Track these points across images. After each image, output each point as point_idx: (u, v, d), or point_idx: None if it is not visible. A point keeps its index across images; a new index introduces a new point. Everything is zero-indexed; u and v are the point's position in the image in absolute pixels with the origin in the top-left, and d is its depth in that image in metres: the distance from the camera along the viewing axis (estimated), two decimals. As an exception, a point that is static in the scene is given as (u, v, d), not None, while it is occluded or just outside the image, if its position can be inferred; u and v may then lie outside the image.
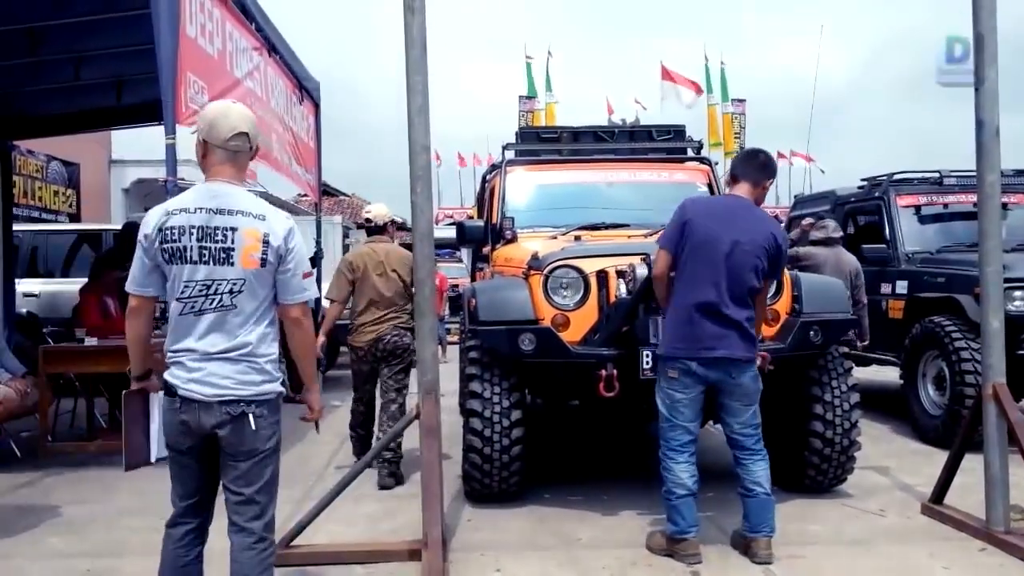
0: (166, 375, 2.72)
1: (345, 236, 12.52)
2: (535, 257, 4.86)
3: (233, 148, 2.70)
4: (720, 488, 4.77)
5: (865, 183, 8.17)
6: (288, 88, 7.53)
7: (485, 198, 7.20)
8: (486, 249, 6.29)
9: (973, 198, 7.46)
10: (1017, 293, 6.00)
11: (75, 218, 13.43)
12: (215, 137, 2.69)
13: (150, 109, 8.33)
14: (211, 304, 2.64)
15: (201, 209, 2.63)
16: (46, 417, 6.21)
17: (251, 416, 2.70)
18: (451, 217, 30.27)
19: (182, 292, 2.63)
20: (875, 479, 5.33)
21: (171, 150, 4.77)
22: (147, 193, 16.61)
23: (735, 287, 3.80)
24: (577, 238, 5.50)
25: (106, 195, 16.55)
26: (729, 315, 3.75)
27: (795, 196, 9.75)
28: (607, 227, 5.89)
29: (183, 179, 5.01)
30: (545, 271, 4.73)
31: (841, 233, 7.30)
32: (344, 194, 28.33)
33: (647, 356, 4.33)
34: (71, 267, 10.08)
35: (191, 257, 2.62)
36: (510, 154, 6.60)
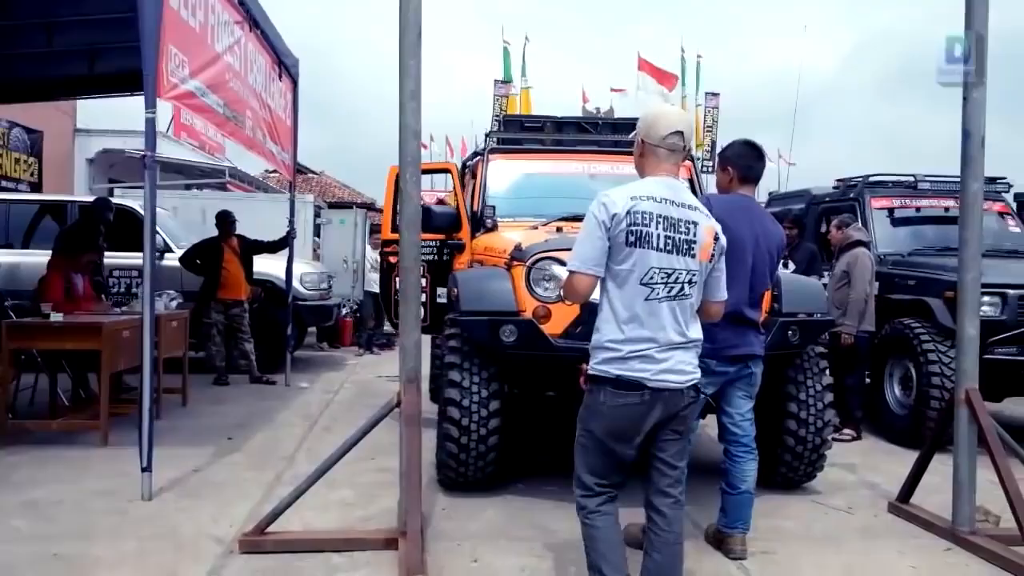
0: (616, 368, 2.72)
1: (316, 215, 12.41)
2: (518, 248, 4.85)
3: (669, 146, 2.81)
4: (692, 484, 4.80)
5: (840, 183, 8.28)
6: (267, 64, 7.40)
7: (465, 185, 7.15)
8: (459, 236, 6.25)
9: (946, 203, 7.66)
10: (986, 299, 6.12)
11: (36, 187, 13.11)
12: (653, 137, 2.82)
13: (123, 79, 8.19)
14: (670, 292, 2.72)
15: (666, 200, 2.74)
16: (6, 393, 6.07)
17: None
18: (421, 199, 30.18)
19: (648, 278, 2.70)
20: (842, 476, 5.42)
21: (151, 124, 4.66)
22: (112, 164, 16.26)
23: (757, 288, 3.84)
24: (559, 229, 5.49)
25: (69, 165, 16.14)
26: (748, 316, 3.81)
27: (769, 193, 9.82)
28: (588, 219, 5.89)
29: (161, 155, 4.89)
30: (528, 263, 4.72)
31: None
32: (313, 172, 28.00)
33: (628, 351, 4.33)
34: (32, 238, 9.84)
35: (656, 244, 2.69)
36: (493, 142, 6.57)
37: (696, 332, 2.82)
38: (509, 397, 4.76)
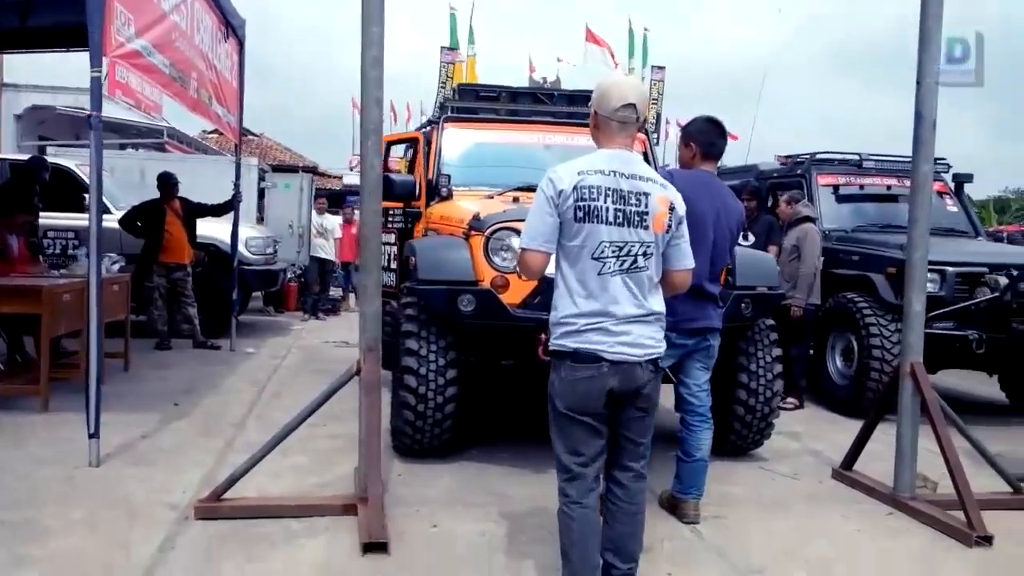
0: (573, 342, 2.70)
1: (261, 179, 12.12)
2: (476, 218, 4.83)
3: (621, 119, 2.77)
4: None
5: (787, 160, 8.44)
6: (214, 25, 7.17)
7: (419, 152, 7.07)
8: (417, 204, 6.21)
9: (888, 181, 7.87)
10: (930, 275, 6.33)
11: (-39, 144, 12.55)
12: (605, 108, 2.78)
13: (58, 34, 7.84)
14: (623, 266, 2.69)
15: (615, 172, 2.71)
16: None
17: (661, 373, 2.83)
18: (364, 165, 29.74)
19: (599, 252, 2.68)
20: (787, 444, 5.58)
21: (96, 83, 4.50)
22: (42, 121, 15.63)
23: (717, 263, 3.90)
24: (516, 199, 5.49)
25: (-5, 120, 15.48)
26: (708, 290, 3.85)
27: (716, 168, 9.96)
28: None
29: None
30: (487, 233, 4.71)
31: None
32: (253, 133, 27.30)
33: (586, 321, 4.38)
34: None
35: (606, 218, 2.66)
36: (448, 110, 6.50)
37: (657, 304, 2.80)
38: (466, 366, 4.76)
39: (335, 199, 16.06)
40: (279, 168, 14.89)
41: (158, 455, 4.79)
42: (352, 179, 26.89)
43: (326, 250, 11.79)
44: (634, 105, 2.78)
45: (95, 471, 4.43)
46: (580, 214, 2.67)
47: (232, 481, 3.87)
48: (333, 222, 12.09)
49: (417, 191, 6.11)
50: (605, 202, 2.68)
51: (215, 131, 27.77)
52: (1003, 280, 6.27)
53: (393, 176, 6.14)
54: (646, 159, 6.47)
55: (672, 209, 2.80)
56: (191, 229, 8.64)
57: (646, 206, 2.73)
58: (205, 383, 6.84)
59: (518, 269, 3.10)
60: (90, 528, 3.66)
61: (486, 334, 4.70)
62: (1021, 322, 6.20)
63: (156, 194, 8.55)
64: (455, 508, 4.11)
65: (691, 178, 3.93)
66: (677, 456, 4.07)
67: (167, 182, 8.45)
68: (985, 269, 6.43)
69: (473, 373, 4.90)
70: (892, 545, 3.87)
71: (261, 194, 12.07)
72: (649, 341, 2.76)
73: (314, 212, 11.69)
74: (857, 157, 7.89)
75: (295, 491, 4.26)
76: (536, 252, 2.74)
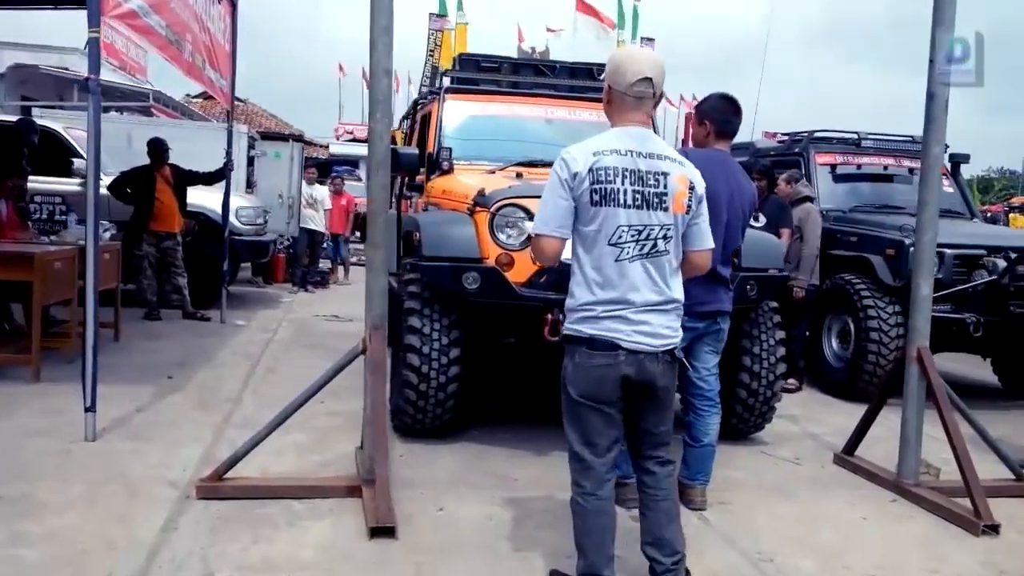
0: (589, 328, 2.62)
1: (250, 147, 11.92)
2: (481, 194, 4.74)
3: (637, 94, 2.65)
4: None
5: (786, 137, 8.38)
6: (207, -15, 6.98)
7: (416, 124, 6.95)
8: (419, 178, 6.10)
9: (886, 161, 7.84)
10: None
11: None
12: (619, 83, 2.65)
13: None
14: (643, 250, 2.60)
15: (632, 152, 2.60)
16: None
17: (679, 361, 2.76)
18: (351, 133, 29.37)
19: (617, 237, 2.58)
20: (786, 427, 5.57)
21: (94, 44, 4.34)
22: (24, 80, 15.28)
23: (729, 245, 3.83)
24: (519, 175, 5.40)
25: (-24, 79, 15.11)
26: (720, 273, 3.78)
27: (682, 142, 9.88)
28: (545, 165, 5.81)
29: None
30: (492, 209, 4.63)
31: None
32: (239, 99, 26.89)
33: (594, 302, 4.33)
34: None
35: (623, 201, 2.56)
36: (448, 81, 6.38)
37: (677, 291, 2.71)
38: (469, 344, 4.70)
39: (322, 169, 15.85)
40: (266, 136, 14.61)
41: (154, 430, 4.71)
42: (339, 148, 26.58)
43: (316, 221, 11.63)
44: (651, 79, 2.66)
45: (91, 445, 4.35)
46: (596, 197, 2.58)
47: (234, 461, 3.80)
48: (323, 192, 11.92)
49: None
50: (622, 184, 2.58)
51: (199, 95, 27.39)
52: (1001, 263, 6.26)
53: (399, 148, 6.01)
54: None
55: (692, 188, 2.70)
56: (182, 197, 8.48)
57: (665, 186, 2.63)
58: (198, 356, 6.74)
59: (532, 255, 3.01)
60: (89, 505, 3.59)
61: (490, 313, 4.63)
62: (1018, 305, 6.20)
63: (144, 160, 8.38)
64: (459, 490, 4.07)
65: (705, 157, 3.84)
66: (684, 441, 4.03)
67: (158, 148, 8.28)
68: (983, 252, 6.43)
69: (474, 352, 4.83)
70: (898, 533, 3.86)
71: (250, 162, 11.88)
72: (667, 331, 2.69)
73: (304, 182, 11.51)
74: (856, 136, 7.84)
75: (296, 470, 4.20)
76: (550, 237, 2.64)
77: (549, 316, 4.38)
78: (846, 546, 3.66)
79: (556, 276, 4.41)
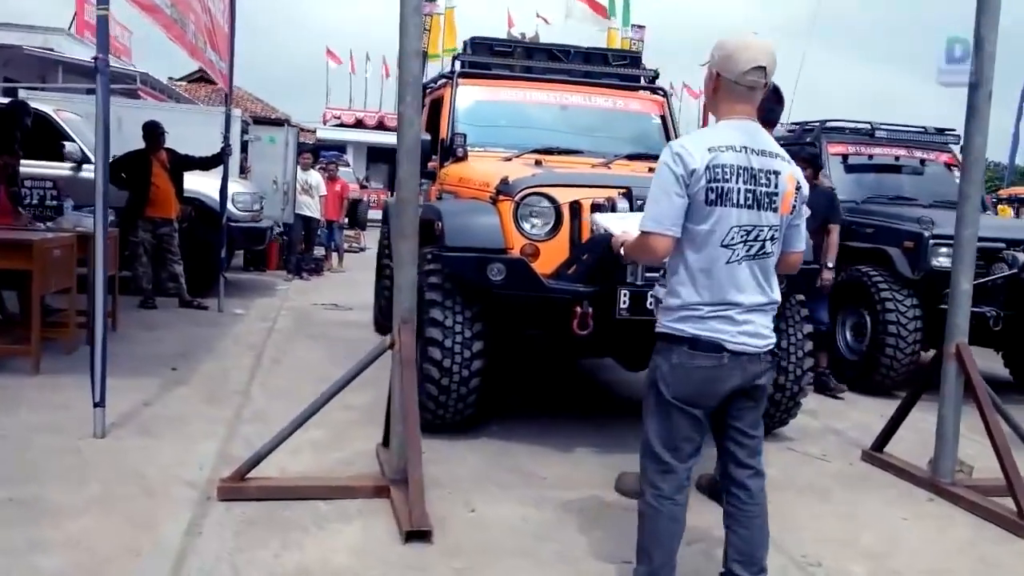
0: (693, 327, 2.51)
1: (244, 132, 11.64)
2: (504, 182, 4.58)
3: (749, 84, 2.51)
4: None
5: (796, 126, 8.26)
6: (208, -37, 6.76)
7: (424, 109, 6.76)
8: (431, 165, 5.93)
9: (898, 151, 7.75)
10: (943, 249, 6.23)
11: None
12: (731, 71, 2.50)
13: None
14: (750, 252, 2.49)
15: (746, 148, 2.49)
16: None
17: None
18: (338, 118, 29.09)
19: (729, 239, 2.47)
20: (807, 422, 5.47)
21: (103, 23, 4.14)
22: (7, 61, 14.89)
23: None
24: (538, 163, 5.25)
25: (-44, 59, 14.71)
26: None
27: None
28: (560, 152, 5.68)
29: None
30: (516, 197, 4.47)
31: None
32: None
33: (624, 295, 4.20)
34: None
35: (737, 201, 2.45)
36: (459, 66, 6.20)
37: (777, 292, 2.61)
38: (492, 337, 4.55)
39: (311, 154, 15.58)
40: (258, 120, 14.33)
41: (164, 425, 4.53)
42: (326, 133, 26.32)
43: (311, 208, 11.41)
44: (764, 68, 2.50)
45: (100, 442, 4.17)
46: (712, 196, 2.43)
47: (257, 460, 3.63)
48: (318, 178, 11.69)
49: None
50: (737, 183, 2.45)
51: (183, 78, 26.98)
52: (1021, 256, 6.19)
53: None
54: (664, 125, 6.28)
55: (799, 188, 2.60)
56: (178, 182, 8.25)
57: (776, 186, 2.51)
58: (200, 346, 6.55)
59: (629, 252, 2.80)
60: (106, 507, 3.42)
61: (515, 305, 4.48)
62: (1029, 296, 6.13)
63: (134, 144, 8.13)
64: (488, 489, 3.93)
65: None
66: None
67: (154, 131, 8.04)
68: (1002, 245, 6.34)
69: (496, 345, 4.69)
70: (941, 535, 3.77)
71: (243, 148, 11.61)
72: (767, 331, 2.59)
73: (299, 168, 11.28)
74: (869, 126, 7.74)
75: (317, 469, 4.04)
76: (663, 236, 2.48)
77: (578, 309, 4.26)
78: (891, 549, 3.55)
79: (585, 268, 4.28)
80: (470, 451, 4.47)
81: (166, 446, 4.20)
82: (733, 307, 2.49)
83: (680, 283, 2.53)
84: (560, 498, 3.84)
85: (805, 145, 7.73)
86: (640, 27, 28.63)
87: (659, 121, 6.24)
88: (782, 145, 7.78)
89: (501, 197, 4.55)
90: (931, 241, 6.22)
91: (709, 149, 2.44)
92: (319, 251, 12.55)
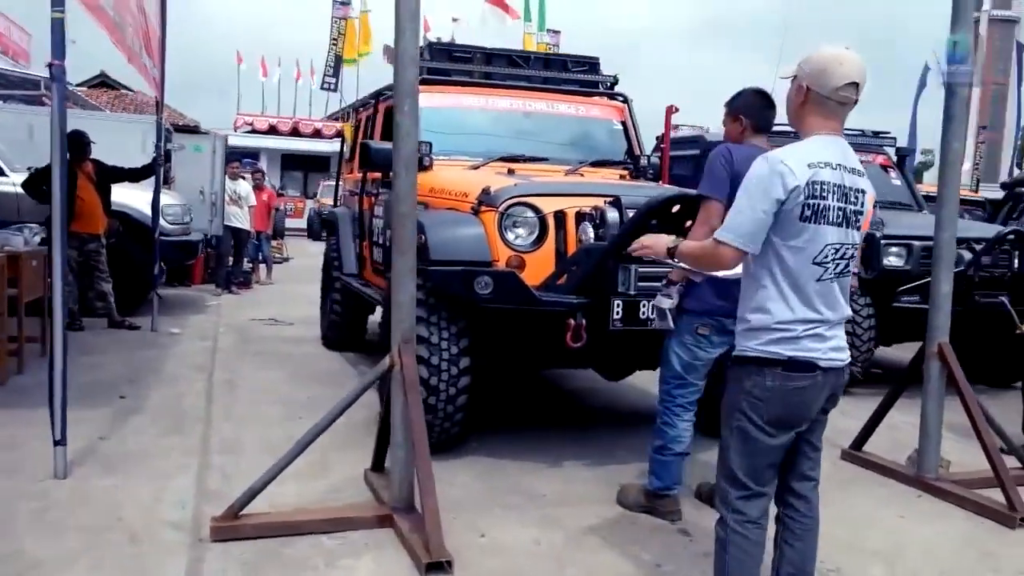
0: (788, 349, 2.42)
1: (167, 140, 11.08)
2: (486, 192, 4.46)
3: (842, 99, 2.43)
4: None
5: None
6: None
7: (377, 116, 6.56)
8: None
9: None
10: (894, 249, 6.41)
11: None
12: (824, 86, 2.42)
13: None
14: (838, 270, 2.44)
15: (841, 166, 2.43)
16: None
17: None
18: (250, 124, 28.21)
19: (822, 257, 2.40)
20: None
21: (59, 26, 3.81)
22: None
23: None
24: (510, 171, 5.15)
25: None
26: None
27: (657, 138, 9.84)
28: (526, 159, 5.58)
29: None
30: (501, 208, 4.36)
31: None
32: (124, 87, 25.33)
33: (618, 305, 4.13)
34: None
35: (831, 219, 2.39)
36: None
37: (849, 307, 2.58)
38: (478, 353, 4.42)
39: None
40: (180, 129, 13.72)
41: (129, 461, 4.21)
42: (238, 140, 25.43)
43: (240, 219, 10.96)
44: (858, 84, 2.44)
45: (65, 484, 3.85)
46: (807, 213, 2.36)
47: (251, 496, 3.40)
48: (247, 188, 11.23)
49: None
50: (832, 201, 2.39)
51: (83, 84, 25.68)
52: (967, 254, 6.41)
53: (371, 143, 5.64)
54: (626, 134, 6.24)
55: (874, 207, 2.58)
56: (106, 196, 7.78)
57: (862, 205, 2.47)
58: (144, 371, 6.17)
59: (694, 257, 2.70)
60: (94, 560, 3.12)
61: (504, 319, 4.35)
62: (984, 295, 6.37)
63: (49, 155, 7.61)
64: (491, 511, 3.79)
65: (749, 156, 3.69)
66: (723, 446, 3.90)
67: (80, 141, 7.53)
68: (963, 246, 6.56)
69: (483, 361, 4.55)
70: (942, 532, 3.83)
71: (167, 156, 11.05)
72: (844, 343, 2.54)
73: (227, 178, 10.81)
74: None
75: (305, 499, 3.81)
76: (736, 250, 2.41)
77: (571, 321, 4.16)
78: (900, 550, 3.59)
79: (577, 279, 4.19)
80: (459, 471, 4.31)
81: (137, 484, 3.90)
82: (823, 324, 2.44)
83: (770, 298, 2.44)
84: (564, 516, 3.75)
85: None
86: (556, 32, 28.83)
87: (620, 127, 6.21)
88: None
89: (484, 208, 4.42)
90: (883, 241, 6.39)
91: (809, 165, 2.37)
92: (247, 264, 12.07)
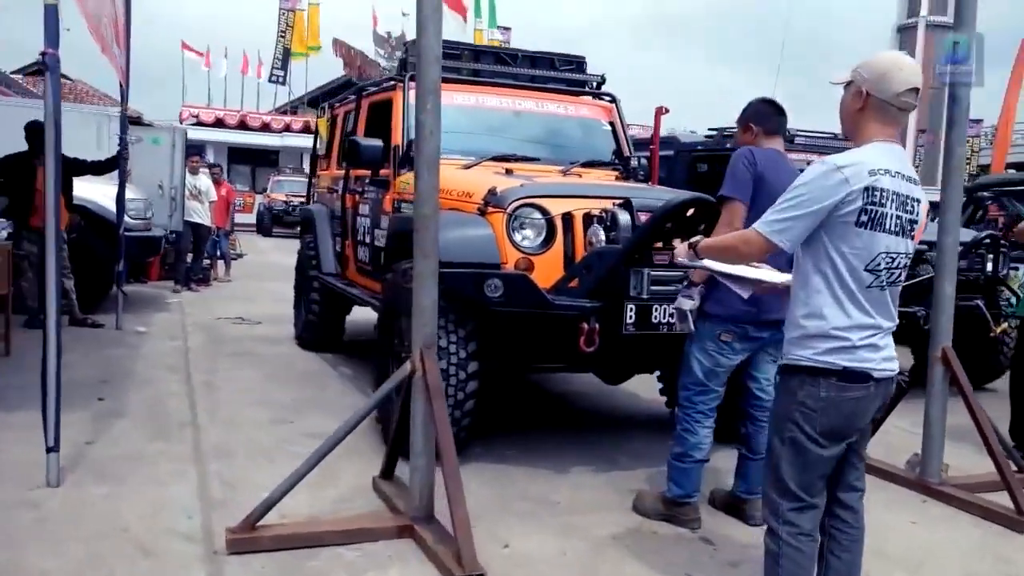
0: (844, 359, 2.39)
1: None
2: (493, 192, 4.37)
3: (903, 105, 2.40)
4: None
5: (715, 132, 8.44)
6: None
7: (360, 113, 6.40)
8: (384, 173, 5.61)
9: (811, 156, 8.03)
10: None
11: None
12: (884, 91, 2.39)
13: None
14: (891, 278, 2.42)
15: (899, 174, 2.40)
16: None
17: None
18: (196, 116, 27.49)
19: (875, 264, 2.37)
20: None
21: (52, 13, 3.60)
22: None
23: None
24: (508, 171, 5.07)
25: None
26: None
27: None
28: (518, 159, 5.50)
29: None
30: (508, 209, 4.27)
31: None
32: (67, 77, 24.43)
33: (631, 309, 4.08)
34: None
35: (888, 227, 2.36)
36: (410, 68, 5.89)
37: (897, 316, 2.55)
38: (487, 357, 4.32)
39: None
40: (135, 121, 13.24)
41: (121, 467, 4.02)
42: (189, 134, 24.78)
43: (200, 214, 10.63)
44: (918, 90, 2.42)
45: (58, 492, 3.66)
46: (864, 219, 2.33)
47: (268, 506, 3.26)
48: (208, 183, 10.91)
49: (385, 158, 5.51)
50: (891, 209, 2.36)
51: (21, 70, 24.71)
52: (943, 259, 6.54)
53: (359, 140, 5.49)
54: (615, 134, 6.21)
55: (927, 217, 2.55)
56: (67, 190, 7.43)
57: (917, 214, 2.44)
58: (117, 371, 5.92)
59: (722, 245, 2.69)
60: (102, 573, 2.95)
61: (514, 322, 4.26)
62: (960, 298, 6.48)
63: (6, 147, 7.28)
64: (507, 520, 3.71)
65: (770, 157, 3.69)
66: (741, 454, 3.88)
67: (40, 133, 7.18)
68: (925, 247, 6.69)
69: (489, 365, 4.45)
70: (954, 537, 3.86)
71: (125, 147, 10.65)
72: (894, 352, 2.52)
73: (187, 172, 10.47)
74: (789, 132, 7.99)
75: (317, 509, 3.67)
76: (773, 245, 2.39)
77: (585, 325, 4.10)
78: (919, 556, 3.61)
79: (589, 282, 4.12)
80: (467, 478, 4.13)
81: (134, 492, 3.72)
82: (877, 332, 2.42)
83: (825, 303, 2.40)
84: (583, 525, 3.68)
85: (727, 150, 7.95)
86: (506, 28, 28.73)
87: (609, 127, 6.18)
88: (698, 150, 8.02)
89: (491, 209, 4.33)
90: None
91: (870, 171, 2.34)
92: (205, 260, 11.73)
